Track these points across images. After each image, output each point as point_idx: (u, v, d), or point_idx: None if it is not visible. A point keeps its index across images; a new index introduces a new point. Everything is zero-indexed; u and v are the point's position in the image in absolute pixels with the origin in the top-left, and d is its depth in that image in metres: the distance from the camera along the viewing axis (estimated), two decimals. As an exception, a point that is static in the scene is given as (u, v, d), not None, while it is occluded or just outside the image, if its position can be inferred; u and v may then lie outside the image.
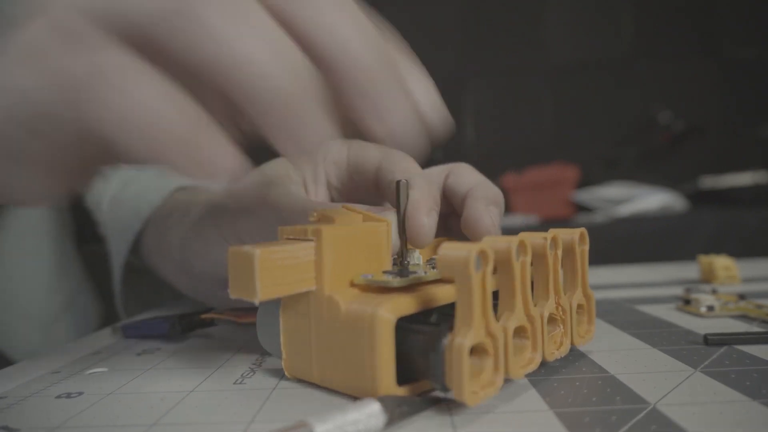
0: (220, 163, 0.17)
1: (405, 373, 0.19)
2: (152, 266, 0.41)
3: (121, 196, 0.45)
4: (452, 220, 0.31)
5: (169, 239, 0.34)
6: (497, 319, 0.19)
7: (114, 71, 0.17)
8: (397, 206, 0.24)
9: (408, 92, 0.20)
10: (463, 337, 0.17)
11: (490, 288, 0.18)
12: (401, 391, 0.18)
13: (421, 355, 0.18)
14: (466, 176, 0.29)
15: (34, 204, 0.22)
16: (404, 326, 0.19)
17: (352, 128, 0.20)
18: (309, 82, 0.17)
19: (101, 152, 0.19)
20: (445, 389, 0.18)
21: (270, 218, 0.26)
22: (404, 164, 0.28)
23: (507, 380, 0.20)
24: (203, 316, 0.30)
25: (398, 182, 0.24)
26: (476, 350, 0.18)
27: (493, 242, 0.19)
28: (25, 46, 0.18)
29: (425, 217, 0.23)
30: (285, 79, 0.17)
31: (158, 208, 0.41)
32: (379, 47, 0.19)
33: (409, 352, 0.19)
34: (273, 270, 0.18)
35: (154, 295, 0.47)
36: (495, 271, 0.19)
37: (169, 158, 0.17)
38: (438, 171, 0.31)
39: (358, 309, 0.19)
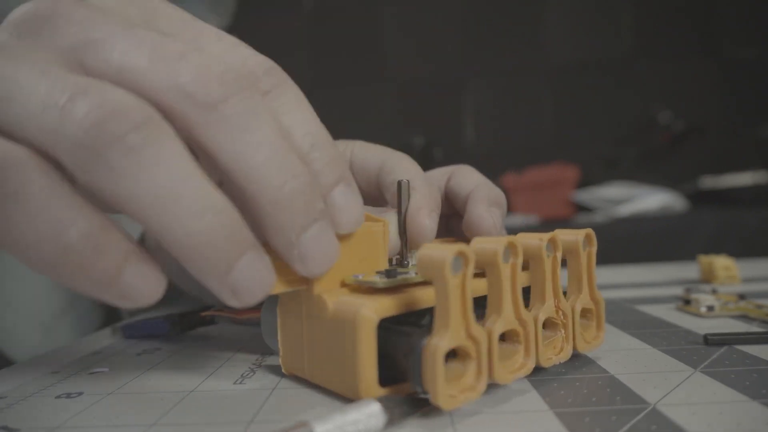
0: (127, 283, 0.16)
1: (391, 374, 0.19)
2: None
3: None
4: (454, 222, 0.31)
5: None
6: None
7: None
8: (398, 207, 0.24)
9: (325, 215, 0.18)
10: (438, 340, 0.17)
11: (471, 290, 0.17)
12: (383, 392, 0.18)
13: (403, 356, 0.18)
14: (467, 178, 0.29)
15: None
16: (389, 327, 0.19)
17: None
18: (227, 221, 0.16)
19: None
20: (424, 391, 0.17)
21: None
22: (406, 165, 0.28)
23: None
24: (203, 314, 0.30)
25: (400, 182, 0.24)
26: (460, 354, 0.18)
27: (480, 244, 0.19)
28: None
29: (426, 218, 0.23)
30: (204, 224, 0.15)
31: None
32: (292, 169, 0.17)
33: (393, 353, 0.19)
34: None
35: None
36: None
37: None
38: (440, 173, 0.31)
39: (342, 308, 0.19)
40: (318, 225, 0.18)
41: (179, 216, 0.15)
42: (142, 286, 0.16)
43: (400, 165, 0.28)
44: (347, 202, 0.19)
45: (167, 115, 0.16)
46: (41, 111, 0.15)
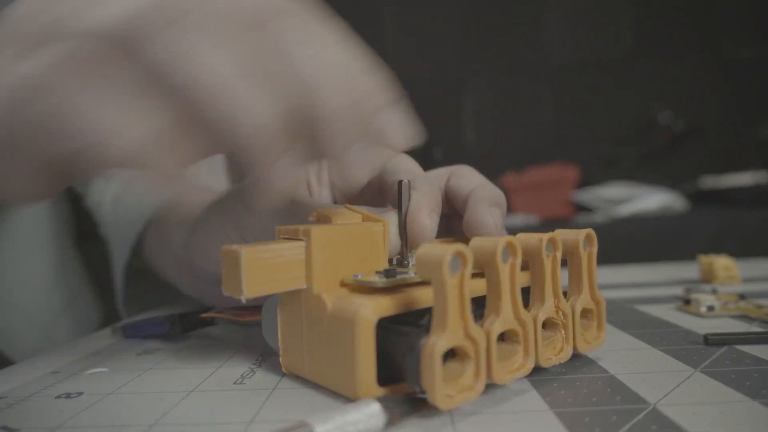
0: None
1: (390, 374, 0.19)
2: (153, 265, 0.41)
3: (124, 196, 0.45)
4: (454, 222, 0.31)
5: (172, 238, 0.34)
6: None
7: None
8: (398, 206, 0.24)
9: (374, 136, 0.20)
10: (436, 340, 0.17)
11: (469, 290, 0.17)
12: (382, 391, 0.19)
13: (402, 356, 0.18)
14: (467, 178, 0.30)
15: (21, 202, 0.22)
16: (388, 327, 0.19)
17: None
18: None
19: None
20: (422, 391, 0.17)
21: (274, 218, 0.26)
22: (407, 166, 0.28)
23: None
24: (203, 315, 0.30)
25: (400, 182, 0.24)
26: (458, 354, 0.18)
27: (479, 243, 0.19)
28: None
29: (427, 218, 0.24)
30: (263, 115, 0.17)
31: (160, 208, 0.41)
32: (354, 90, 0.19)
33: (392, 352, 0.19)
34: (260, 268, 0.19)
35: (155, 295, 0.47)
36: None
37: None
38: (440, 173, 0.31)
39: (341, 308, 0.19)
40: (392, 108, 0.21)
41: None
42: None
43: (401, 165, 0.28)
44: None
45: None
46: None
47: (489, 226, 0.26)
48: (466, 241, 0.21)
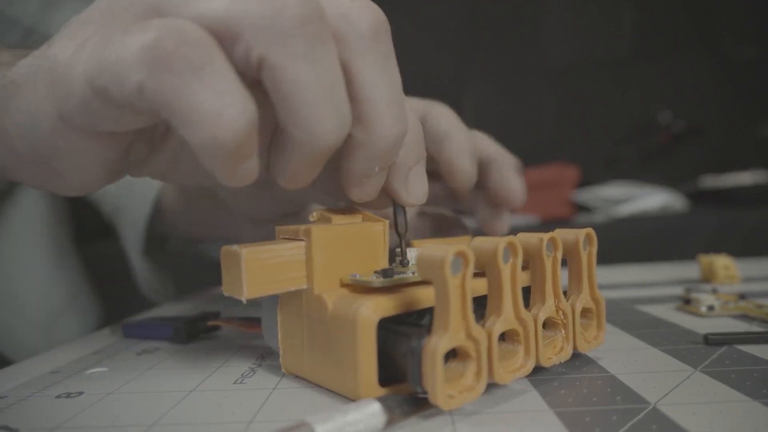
0: None
1: (391, 374, 0.19)
2: (175, 221, 0.42)
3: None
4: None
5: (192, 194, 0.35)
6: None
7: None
8: (394, 206, 0.24)
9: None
10: (438, 340, 0.17)
11: (470, 290, 0.17)
12: (383, 392, 0.19)
13: (402, 356, 0.18)
14: (445, 121, 0.30)
15: (79, 191, 0.22)
16: (389, 327, 0.19)
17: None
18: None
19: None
20: (423, 391, 0.17)
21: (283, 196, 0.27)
22: (447, 118, 0.30)
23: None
24: (210, 323, 0.30)
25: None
26: (460, 354, 0.18)
27: (480, 243, 0.19)
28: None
29: (468, 164, 0.25)
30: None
31: None
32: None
33: (393, 353, 0.19)
34: (260, 269, 0.19)
35: (178, 265, 0.47)
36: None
37: None
38: (414, 105, 0.32)
39: (342, 308, 0.19)
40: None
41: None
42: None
43: (442, 115, 0.30)
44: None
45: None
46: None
47: (519, 193, 0.27)
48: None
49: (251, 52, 0.17)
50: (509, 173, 0.28)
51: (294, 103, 0.17)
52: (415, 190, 0.22)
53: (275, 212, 0.32)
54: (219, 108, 0.16)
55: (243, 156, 0.17)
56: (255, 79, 0.18)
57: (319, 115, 0.18)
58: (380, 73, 0.19)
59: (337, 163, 0.21)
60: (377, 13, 0.20)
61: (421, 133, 0.22)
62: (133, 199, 0.43)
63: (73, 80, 0.18)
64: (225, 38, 0.17)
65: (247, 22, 0.17)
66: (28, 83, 0.20)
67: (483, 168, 0.30)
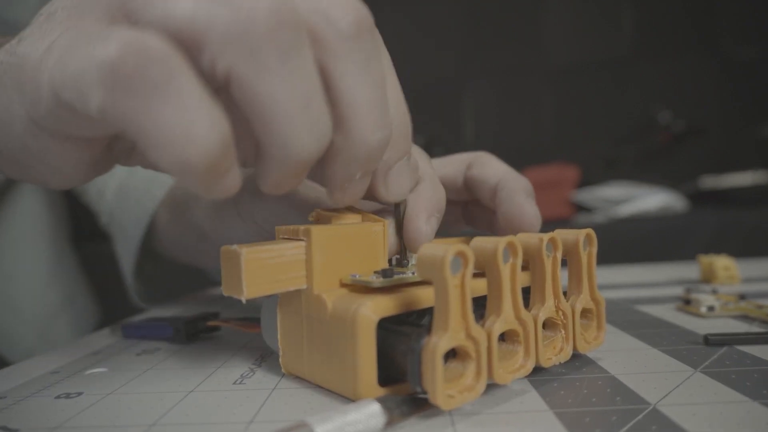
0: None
1: (391, 374, 0.19)
2: (168, 242, 0.41)
3: (130, 182, 0.44)
4: (471, 208, 0.31)
5: (195, 211, 0.35)
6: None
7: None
8: (395, 206, 0.24)
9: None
10: (437, 340, 0.17)
11: (470, 290, 0.17)
12: (382, 392, 0.18)
13: (402, 356, 0.18)
14: (492, 167, 0.29)
15: (62, 184, 0.21)
16: (388, 327, 0.19)
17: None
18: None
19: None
20: (423, 391, 0.17)
21: (284, 205, 0.26)
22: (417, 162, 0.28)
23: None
24: (210, 323, 0.30)
25: None
26: (460, 354, 0.18)
27: (480, 243, 0.19)
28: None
29: (424, 223, 0.23)
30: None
31: (172, 189, 0.41)
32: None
33: (392, 352, 0.19)
34: (260, 269, 0.19)
35: (170, 276, 0.47)
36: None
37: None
38: (459, 160, 0.31)
39: (342, 308, 0.19)
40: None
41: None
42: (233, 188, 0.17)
43: (489, 162, 0.29)
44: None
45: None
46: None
47: (531, 217, 0.26)
48: (487, 228, 0.21)
49: (216, 64, 0.16)
50: (522, 199, 0.27)
51: (266, 119, 0.16)
52: (396, 187, 0.22)
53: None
54: (185, 128, 0.15)
55: (220, 172, 0.16)
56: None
57: (293, 131, 0.17)
58: (361, 75, 0.18)
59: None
60: (359, 9, 0.18)
61: (407, 129, 0.21)
62: (129, 217, 0.43)
63: (40, 86, 0.17)
64: (190, 46, 0.16)
65: (213, 31, 0.16)
66: (1, 83, 0.19)
67: (487, 192, 0.29)
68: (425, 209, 0.23)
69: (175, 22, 0.16)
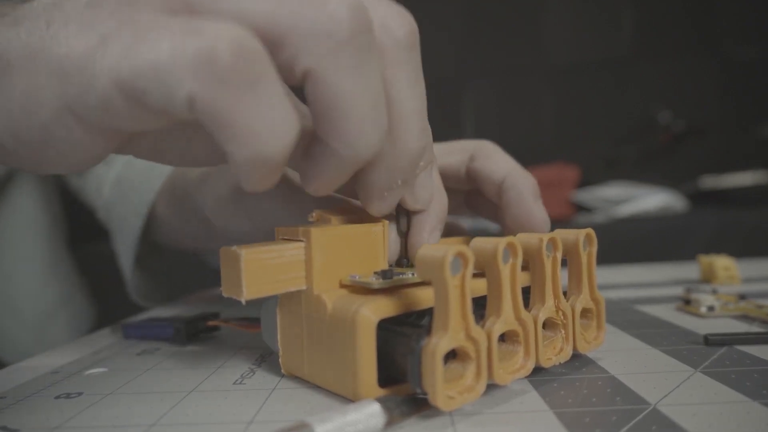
0: None
1: (391, 375, 0.19)
2: (169, 233, 0.41)
3: (128, 174, 0.44)
4: (473, 197, 0.31)
5: (198, 201, 0.34)
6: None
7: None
8: (396, 212, 0.24)
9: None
10: (437, 341, 0.17)
11: (470, 291, 0.17)
12: (382, 392, 0.18)
13: (402, 356, 0.18)
14: (498, 161, 0.29)
15: (73, 168, 0.21)
16: (388, 327, 0.19)
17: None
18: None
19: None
20: (423, 392, 0.17)
21: (290, 201, 0.26)
22: (501, 157, 0.29)
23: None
24: (210, 323, 0.30)
25: None
26: (460, 354, 0.18)
27: (480, 244, 0.19)
28: None
29: (427, 237, 0.23)
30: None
31: (170, 177, 0.41)
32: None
33: (392, 353, 0.19)
34: (259, 269, 0.19)
35: (171, 271, 0.47)
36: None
37: None
38: (459, 149, 0.31)
39: (342, 309, 0.19)
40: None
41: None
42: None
43: (494, 155, 0.29)
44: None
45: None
46: None
47: (540, 221, 0.26)
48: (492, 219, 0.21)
49: (297, 62, 0.16)
50: (531, 203, 0.27)
51: (339, 116, 0.17)
52: (422, 195, 0.22)
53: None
54: (270, 125, 0.15)
55: (281, 168, 0.16)
56: (290, 83, 0.17)
57: (363, 129, 0.17)
58: (412, 84, 0.19)
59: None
60: (412, 21, 0.19)
61: (430, 139, 0.22)
62: (127, 209, 0.43)
63: (94, 76, 0.16)
64: (269, 42, 0.16)
65: (297, 29, 0.16)
66: (24, 67, 0.18)
67: (491, 186, 0.29)
68: (429, 223, 0.23)
69: (254, 17, 0.16)
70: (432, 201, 0.23)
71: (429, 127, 0.20)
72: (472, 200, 0.32)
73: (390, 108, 0.19)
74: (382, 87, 0.18)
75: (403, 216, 0.23)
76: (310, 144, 0.19)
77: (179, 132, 0.20)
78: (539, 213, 0.27)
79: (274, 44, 0.16)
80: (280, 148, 0.15)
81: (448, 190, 0.25)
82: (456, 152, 0.31)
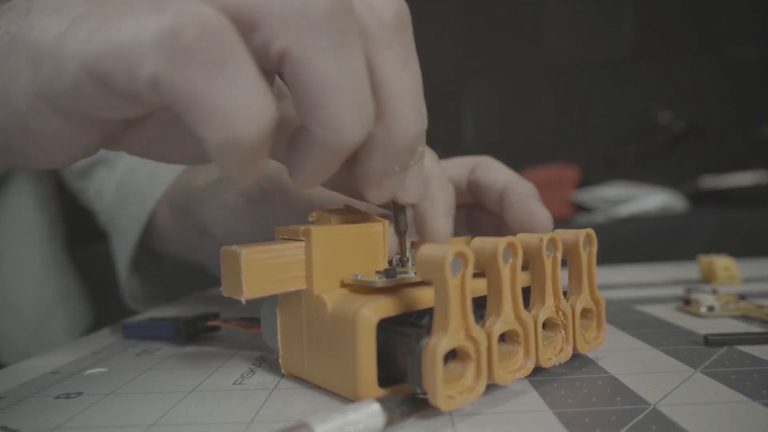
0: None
1: (391, 375, 0.19)
2: (168, 240, 0.41)
3: (130, 180, 0.44)
4: (477, 213, 0.31)
5: (197, 208, 0.34)
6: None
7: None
8: (394, 209, 0.24)
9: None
10: (437, 341, 0.17)
11: (470, 291, 0.17)
12: (382, 392, 0.18)
13: (402, 356, 0.18)
14: (498, 171, 0.29)
15: (60, 163, 0.20)
16: (388, 327, 0.19)
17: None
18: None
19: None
20: (423, 392, 0.17)
21: (293, 206, 0.26)
22: (426, 162, 0.28)
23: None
24: (210, 323, 0.30)
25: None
26: (460, 354, 0.18)
27: (480, 244, 0.19)
28: None
29: (442, 223, 0.23)
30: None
31: (173, 185, 0.41)
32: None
33: (392, 353, 0.19)
34: (259, 269, 0.19)
35: (169, 276, 0.47)
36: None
37: None
38: (462, 163, 0.31)
39: (342, 309, 0.19)
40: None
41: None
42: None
43: (493, 167, 0.29)
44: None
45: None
46: None
47: (544, 220, 0.26)
48: (493, 231, 0.21)
49: (272, 43, 0.16)
50: (533, 204, 0.27)
51: (319, 100, 0.16)
52: (413, 188, 0.22)
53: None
54: (242, 106, 0.15)
55: (260, 155, 0.16)
56: (268, 69, 0.17)
57: (344, 113, 0.17)
58: (403, 66, 0.18)
59: (349, 162, 0.20)
60: (400, 1, 0.18)
61: (425, 123, 0.21)
62: (127, 214, 0.43)
63: (64, 60, 0.16)
64: (242, 24, 0.16)
65: (272, 9, 0.16)
66: (2, 54, 0.17)
67: (493, 196, 0.29)
68: (442, 209, 0.23)
69: None
70: (435, 193, 0.23)
71: (425, 110, 0.19)
72: (472, 217, 0.33)
73: (380, 91, 0.18)
74: (364, 69, 0.17)
75: (400, 215, 0.23)
76: (295, 134, 0.19)
77: (172, 128, 0.20)
78: (542, 212, 0.27)
79: (248, 25, 0.16)
80: (255, 130, 0.15)
81: None
82: (457, 167, 0.31)
